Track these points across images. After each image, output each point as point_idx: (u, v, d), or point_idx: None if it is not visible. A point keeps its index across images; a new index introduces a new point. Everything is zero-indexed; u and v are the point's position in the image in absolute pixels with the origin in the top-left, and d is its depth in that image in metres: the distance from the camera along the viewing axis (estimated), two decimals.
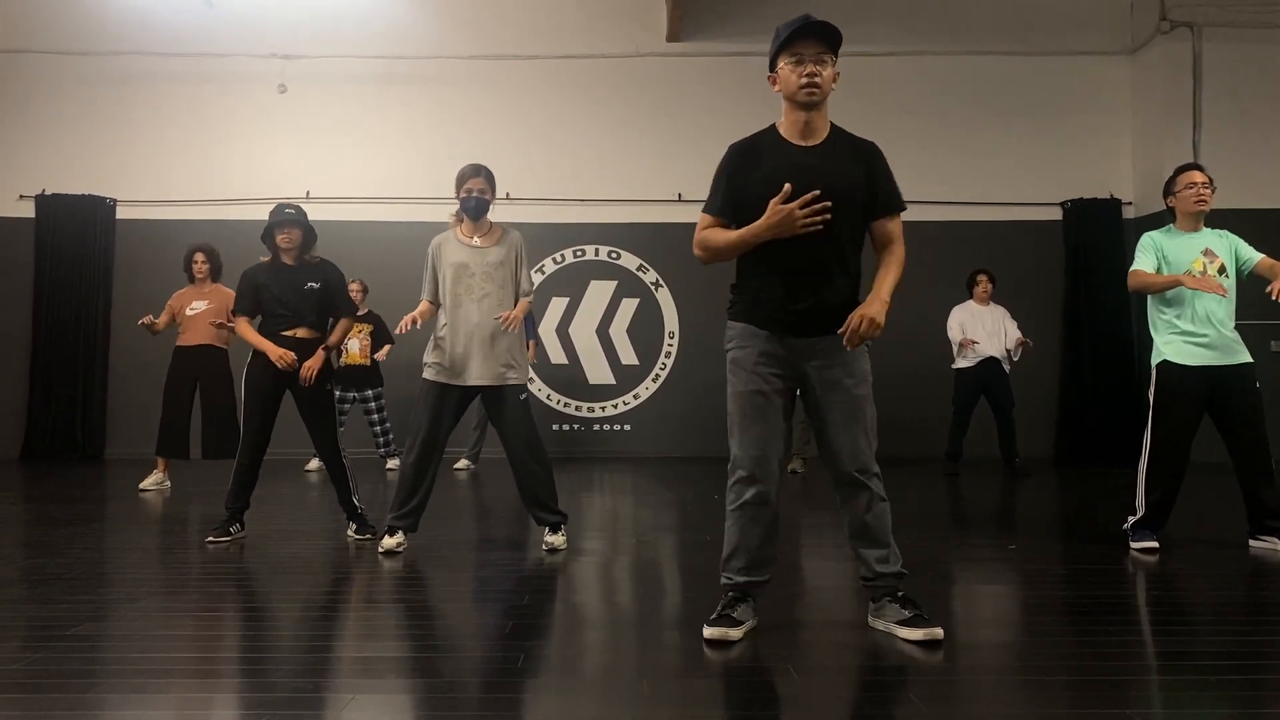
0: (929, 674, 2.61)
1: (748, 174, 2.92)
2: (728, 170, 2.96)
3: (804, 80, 2.84)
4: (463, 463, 7.88)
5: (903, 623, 2.92)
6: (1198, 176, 4.44)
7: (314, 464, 7.78)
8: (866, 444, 2.97)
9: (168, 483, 6.64)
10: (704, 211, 3.01)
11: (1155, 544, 4.34)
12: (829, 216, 2.79)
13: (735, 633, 2.89)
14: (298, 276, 4.69)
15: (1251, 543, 4.40)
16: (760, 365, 2.94)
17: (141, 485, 6.56)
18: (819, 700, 2.47)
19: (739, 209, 2.93)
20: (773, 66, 2.95)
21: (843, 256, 2.93)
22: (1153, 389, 4.43)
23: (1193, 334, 4.34)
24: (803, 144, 2.93)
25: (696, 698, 2.50)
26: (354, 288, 7.65)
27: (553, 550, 4.32)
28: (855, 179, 2.91)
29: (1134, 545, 4.37)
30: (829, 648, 2.88)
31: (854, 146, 2.97)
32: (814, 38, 2.84)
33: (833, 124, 2.98)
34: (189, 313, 6.54)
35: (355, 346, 7.60)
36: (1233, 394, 4.33)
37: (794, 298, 2.91)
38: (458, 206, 4.37)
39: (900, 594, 3.00)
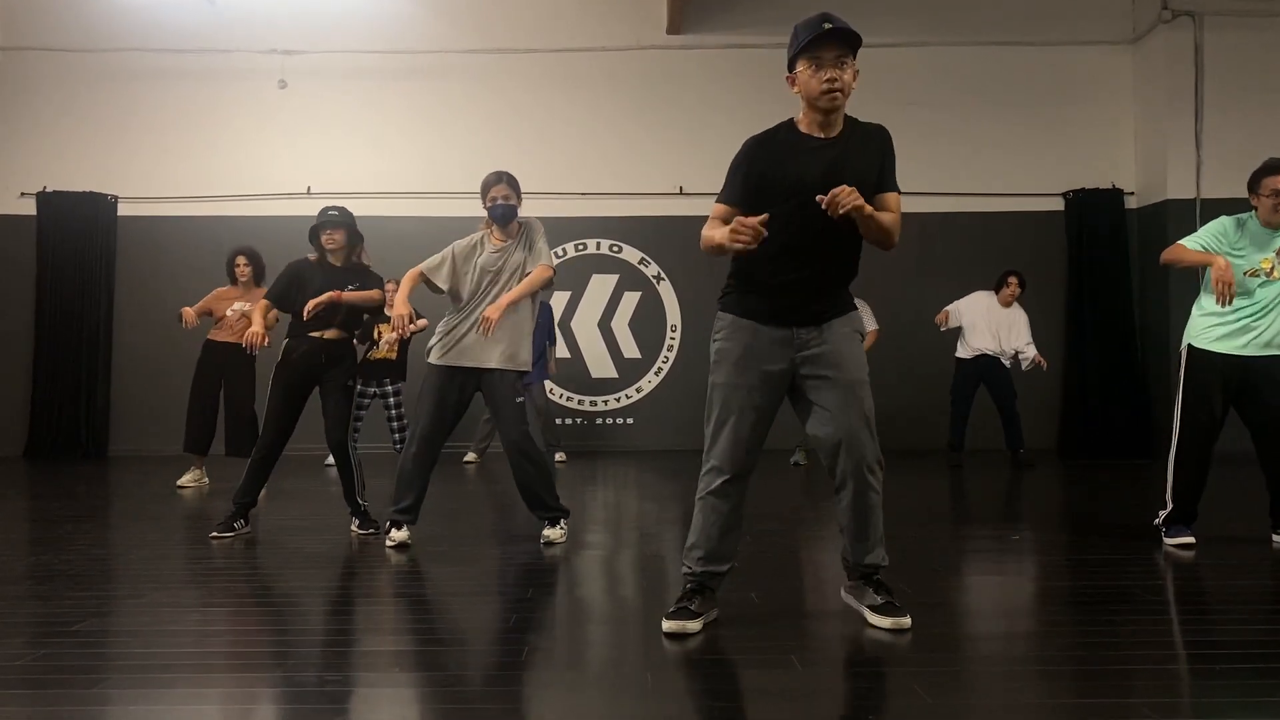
0: (933, 665, 2.60)
1: (773, 167, 2.87)
2: (745, 162, 2.91)
3: (825, 86, 2.81)
4: (471, 455, 7.89)
5: (874, 608, 2.93)
6: None
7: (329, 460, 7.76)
8: (865, 432, 2.90)
9: (206, 479, 6.48)
10: (717, 201, 2.96)
11: (1191, 539, 4.10)
12: (762, 241, 2.68)
13: (694, 625, 2.87)
14: (341, 280, 4.71)
15: (1275, 539, 4.17)
16: (746, 360, 2.91)
17: (180, 482, 6.39)
18: (823, 691, 2.47)
19: (758, 197, 2.85)
20: (791, 67, 2.91)
21: (847, 245, 2.92)
22: (1181, 376, 4.18)
23: (1236, 319, 4.05)
24: (823, 136, 2.90)
25: (699, 690, 2.50)
26: (389, 287, 7.56)
27: (549, 544, 4.32)
28: (868, 172, 2.90)
29: (1169, 541, 4.14)
30: (832, 639, 2.88)
31: (867, 135, 2.96)
32: (834, 41, 2.81)
33: (845, 114, 2.96)
34: (229, 313, 6.49)
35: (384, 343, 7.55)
36: (1265, 387, 4.05)
37: (788, 285, 2.87)
38: (486, 215, 4.45)
39: (877, 579, 3.00)
